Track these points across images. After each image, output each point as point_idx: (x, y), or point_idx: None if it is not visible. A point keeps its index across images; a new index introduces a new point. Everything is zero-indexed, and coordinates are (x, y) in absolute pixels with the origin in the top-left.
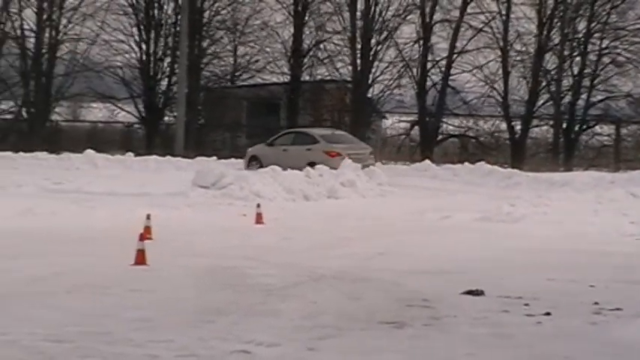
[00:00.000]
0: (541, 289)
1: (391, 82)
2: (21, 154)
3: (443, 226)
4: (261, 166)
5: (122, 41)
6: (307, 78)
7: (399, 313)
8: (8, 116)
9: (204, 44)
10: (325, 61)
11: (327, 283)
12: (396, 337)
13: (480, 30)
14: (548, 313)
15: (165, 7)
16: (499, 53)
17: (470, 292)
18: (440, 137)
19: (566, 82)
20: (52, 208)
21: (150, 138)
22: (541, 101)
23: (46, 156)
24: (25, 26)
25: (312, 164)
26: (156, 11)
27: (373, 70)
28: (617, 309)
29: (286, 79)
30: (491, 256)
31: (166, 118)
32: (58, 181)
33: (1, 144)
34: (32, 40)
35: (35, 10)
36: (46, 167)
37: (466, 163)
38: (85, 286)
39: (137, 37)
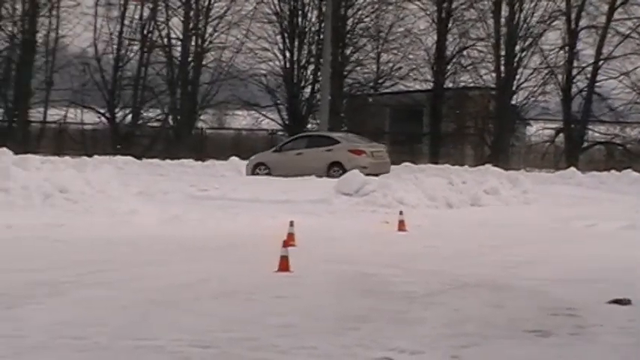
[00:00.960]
0: None
1: (536, 88)
2: (168, 161)
3: (588, 234)
4: (269, 173)
5: (266, 49)
6: (450, 85)
7: (544, 322)
8: (155, 124)
9: (348, 51)
10: (469, 67)
11: (470, 290)
12: (541, 345)
13: (627, 36)
14: None
15: (309, 15)
16: None
17: (617, 302)
18: (585, 144)
19: None
20: (198, 214)
21: None
22: None
23: (192, 163)
24: (172, 35)
25: (334, 164)
26: (300, 19)
27: (517, 76)
28: None
29: (429, 86)
30: (638, 265)
31: (310, 125)
32: (203, 187)
33: (149, 151)
34: (179, 48)
35: (182, 19)
36: (192, 174)
37: (612, 171)
38: (231, 293)
39: (281, 45)
